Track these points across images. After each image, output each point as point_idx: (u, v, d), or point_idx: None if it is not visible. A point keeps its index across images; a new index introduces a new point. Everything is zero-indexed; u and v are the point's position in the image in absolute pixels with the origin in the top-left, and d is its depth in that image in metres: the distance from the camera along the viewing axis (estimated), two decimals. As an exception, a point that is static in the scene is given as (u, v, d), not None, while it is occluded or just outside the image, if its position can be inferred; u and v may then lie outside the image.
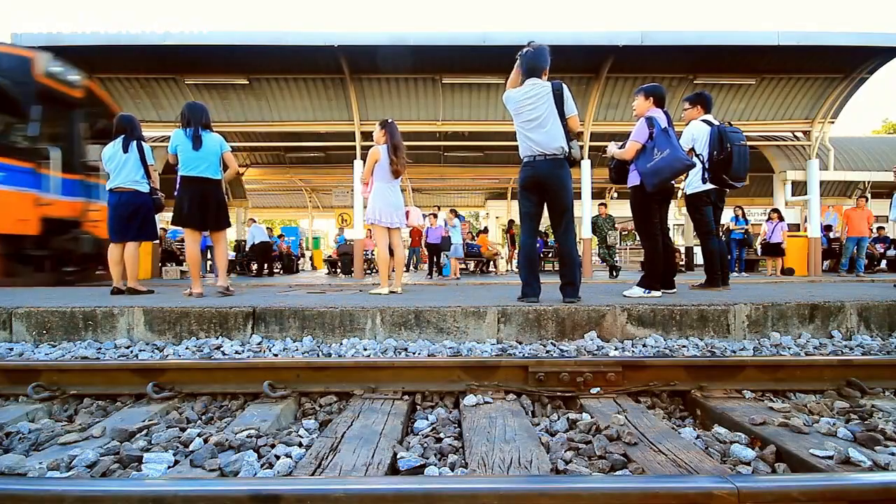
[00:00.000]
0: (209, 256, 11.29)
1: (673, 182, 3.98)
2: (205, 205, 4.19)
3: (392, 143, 4.39)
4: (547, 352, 2.87)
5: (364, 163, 4.66)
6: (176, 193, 4.29)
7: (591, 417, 1.90)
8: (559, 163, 3.56)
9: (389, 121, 4.54)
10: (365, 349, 2.91)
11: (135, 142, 4.50)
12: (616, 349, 2.90)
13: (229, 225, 4.41)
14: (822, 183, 11.82)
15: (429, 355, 2.79)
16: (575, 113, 3.61)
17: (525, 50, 3.58)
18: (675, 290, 4.26)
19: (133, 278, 4.48)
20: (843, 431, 1.67)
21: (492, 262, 12.62)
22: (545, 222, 4.12)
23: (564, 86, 3.58)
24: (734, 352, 2.90)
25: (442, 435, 1.81)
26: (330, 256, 14.21)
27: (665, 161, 3.68)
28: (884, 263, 13.52)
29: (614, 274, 9.87)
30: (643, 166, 3.80)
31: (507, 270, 13.83)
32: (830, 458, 1.47)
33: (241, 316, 3.21)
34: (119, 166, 4.47)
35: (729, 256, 11.05)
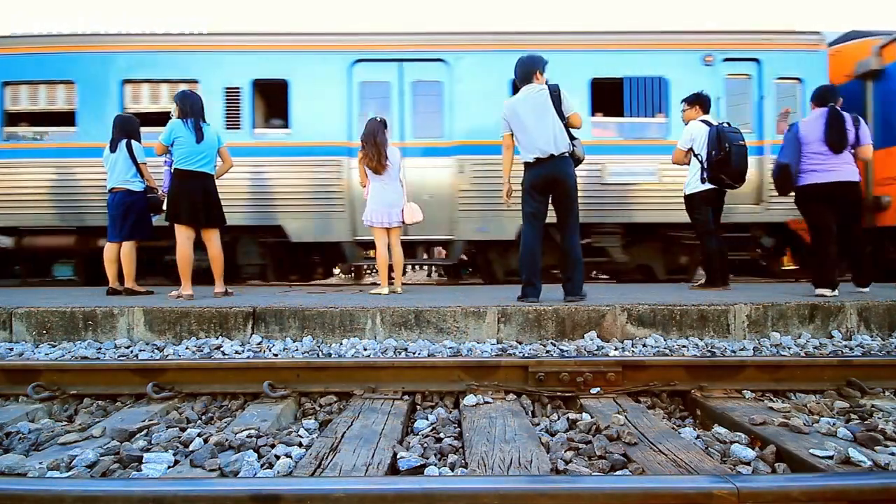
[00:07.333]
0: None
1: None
2: (207, 200, 4.15)
3: (361, 139, 4.31)
4: (547, 352, 2.87)
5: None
6: (166, 188, 4.24)
7: (591, 417, 1.90)
8: (567, 162, 3.59)
9: (370, 117, 4.46)
10: (365, 349, 2.91)
11: (123, 141, 4.45)
12: (616, 349, 2.90)
13: (226, 222, 4.37)
14: None
15: (429, 355, 2.79)
16: (575, 111, 3.63)
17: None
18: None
19: (130, 278, 4.46)
20: (843, 431, 1.67)
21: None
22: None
23: (560, 86, 3.60)
24: (734, 352, 2.90)
25: (442, 435, 1.81)
26: None
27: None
28: None
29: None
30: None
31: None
32: (830, 458, 1.47)
33: (241, 316, 3.21)
34: (111, 167, 4.46)
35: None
